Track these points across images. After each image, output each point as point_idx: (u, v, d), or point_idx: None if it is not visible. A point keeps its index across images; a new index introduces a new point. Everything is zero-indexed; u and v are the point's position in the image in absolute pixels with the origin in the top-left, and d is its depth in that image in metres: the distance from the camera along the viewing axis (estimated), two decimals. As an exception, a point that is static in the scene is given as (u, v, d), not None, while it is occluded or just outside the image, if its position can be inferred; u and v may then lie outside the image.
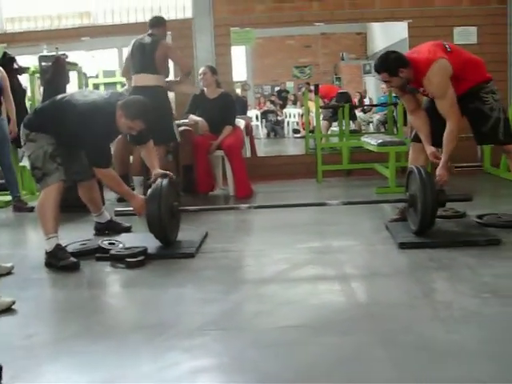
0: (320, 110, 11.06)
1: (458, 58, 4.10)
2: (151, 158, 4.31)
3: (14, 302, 3.02)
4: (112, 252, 3.87)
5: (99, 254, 3.94)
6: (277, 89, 17.30)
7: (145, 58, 5.74)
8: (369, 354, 2.36)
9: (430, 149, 4.22)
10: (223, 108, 6.32)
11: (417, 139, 4.42)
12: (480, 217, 4.40)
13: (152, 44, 5.73)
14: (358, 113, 12.27)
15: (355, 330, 2.62)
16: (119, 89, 8.48)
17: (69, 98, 4.02)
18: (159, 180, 4.04)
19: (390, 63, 4.11)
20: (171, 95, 7.19)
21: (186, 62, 5.92)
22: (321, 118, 11.16)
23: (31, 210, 5.71)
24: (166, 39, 6.06)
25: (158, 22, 5.94)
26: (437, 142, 4.21)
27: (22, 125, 4.07)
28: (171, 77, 6.26)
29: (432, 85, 4.06)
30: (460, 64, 4.08)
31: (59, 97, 4.09)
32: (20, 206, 5.86)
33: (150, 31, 5.88)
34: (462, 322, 2.60)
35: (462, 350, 2.32)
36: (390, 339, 2.48)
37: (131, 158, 6.25)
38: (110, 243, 4.04)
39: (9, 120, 5.82)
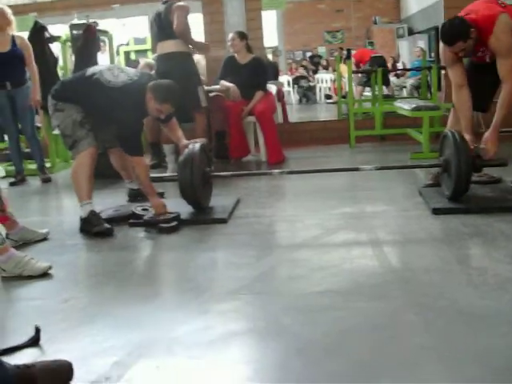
0: (353, 76, 10.99)
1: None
2: (175, 132, 4.31)
3: (50, 267, 3.08)
4: (145, 218, 3.90)
5: (133, 220, 3.98)
6: (308, 54, 17.12)
7: (162, 25, 5.72)
8: (402, 319, 2.35)
9: (470, 137, 4.05)
10: (255, 73, 6.27)
11: None
12: (516, 182, 4.33)
13: (165, 9, 5.70)
14: (391, 77, 12.10)
15: (389, 295, 2.60)
16: (150, 56, 8.44)
17: (98, 76, 3.94)
18: (191, 146, 4.04)
19: (460, 29, 3.88)
20: (203, 62, 7.17)
21: (180, 22, 5.65)
22: (354, 84, 11.08)
23: (48, 180, 5.91)
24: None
25: None
26: (477, 105, 4.12)
27: (49, 95, 4.08)
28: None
29: (500, 42, 3.85)
30: None
31: (89, 73, 4.02)
32: (43, 178, 5.98)
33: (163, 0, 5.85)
34: (497, 289, 2.57)
35: (496, 315, 2.29)
36: (423, 304, 2.46)
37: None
38: (143, 209, 4.07)
39: None
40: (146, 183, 3.95)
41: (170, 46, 5.71)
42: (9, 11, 5.72)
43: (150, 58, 7.04)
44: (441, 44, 4.10)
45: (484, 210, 3.77)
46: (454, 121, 4.36)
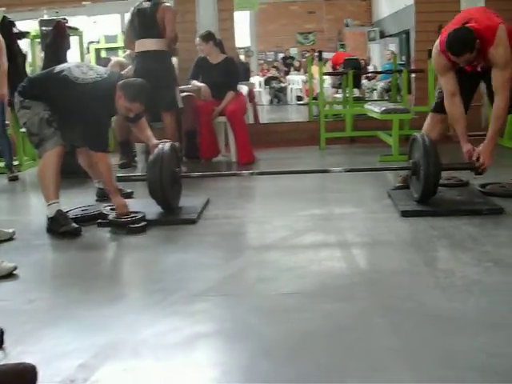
0: (327, 78, 11.01)
1: (506, 24, 3.88)
2: (144, 132, 4.28)
3: (15, 268, 3.02)
4: (111, 217, 3.86)
5: (101, 219, 3.93)
6: (281, 55, 17.16)
7: (146, 23, 5.66)
8: (369, 321, 2.36)
9: (466, 146, 4.04)
10: (226, 73, 6.26)
11: (436, 110, 4.32)
12: (483, 186, 4.37)
13: (152, 7, 5.66)
14: (362, 80, 12.17)
15: (356, 296, 2.62)
16: (121, 54, 8.38)
17: (67, 73, 3.89)
18: (161, 146, 4.02)
19: (468, 40, 3.76)
20: (174, 60, 7.13)
21: (171, 30, 5.72)
22: (328, 85, 11.13)
23: (15, 178, 5.83)
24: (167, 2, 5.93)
25: None
26: None
27: (16, 92, 4.01)
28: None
29: (499, 53, 3.78)
30: (509, 31, 3.86)
31: (57, 70, 3.97)
32: (10, 176, 5.88)
33: None
34: (464, 291, 2.59)
35: (462, 318, 2.32)
36: (390, 306, 2.47)
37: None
38: (111, 209, 4.03)
39: None
40: (108, 181, 3.93)
41: (151, 45, 5.66)
42: None
43: (121, 56, 6.96)
44: (434, 51, 4.02)
45: (452, 213, 3.80)
46: (429, 127, 4.34)
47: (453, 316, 2.34)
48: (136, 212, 3.87)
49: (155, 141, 4.16)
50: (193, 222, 3.88)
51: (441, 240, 3.38)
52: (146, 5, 5.71)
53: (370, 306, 2.50)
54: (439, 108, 4.28)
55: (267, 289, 2.75)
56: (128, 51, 6.73)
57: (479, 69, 4.02)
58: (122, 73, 5.36)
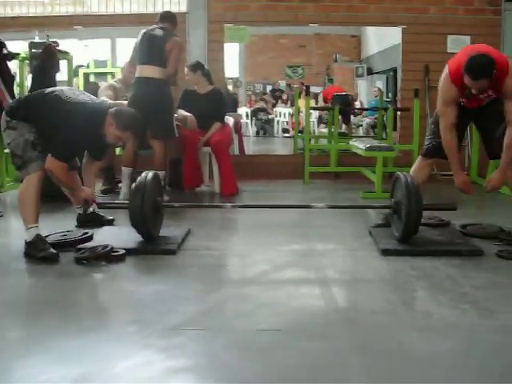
0: (318, 112, 11.08)
1: None
2: (92, 177, 4.32)
3: (-11, 292, 2.98)
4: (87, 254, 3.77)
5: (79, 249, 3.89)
6: (269, 87, 17.28)
7: (154, 50, 5.68)
8: (345, 361, 2.34)
9: (462, 176, 4.15)
10: (213, 104, 6.29)
11: (426, 154, 4.38)
12: (464, 226, 4.41)
13: (164, 37, 5.69)
14: (349, 116, 12.30)
15: (333, 335, 2.60)
16: (109, 79, 8.40)
17: (58, 93, 3.91)
18: (144, 174, 4.00)
19: (490, 66, 3.76)
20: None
21: (174, 66, 5.76)
22: (314, 119, 11.21)
23: None
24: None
25: (170, 18, 5.91)
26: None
27: (3, 112, 3.99)
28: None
29: None
30: None
31: (48, 90, 3.99)
32: None
33: (160, 24, 5.83)
34: (440, 333, 2.59)
35: (438, 361, 2.31)
36: (367, 346, 2.46)
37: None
38: (62, 235, 4.06)
39: None
40: (65, 180, 3.91)
41: (152, 72, 5.66)
42: None
43: (113, 81, 6.95)
44: (444, 81, 4.04)
45: (432, 253, 3.82)
46: (417, 170, 4.39)
47: (429, 358, 2.33)
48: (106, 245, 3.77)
49: (86, 192, 4.10)
50: (173, 252, 3.85)
51: (420, 280, 3.38)
52: (159, 32, 5.74)
53: (347, 346, 2.48)
54: (430, 153, 4.33)
55: (244, 324, 2.72)
56: (121, 76, 6.73)
57: (484, 103, 4.09)
58: (116, 102, 5.38)
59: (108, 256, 3.64)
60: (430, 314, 2.84)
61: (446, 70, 4.06)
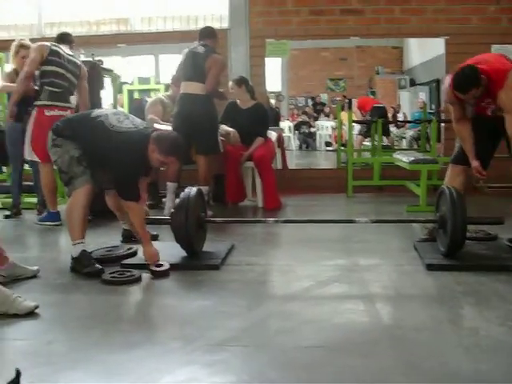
0: (355, 124, 11.01)
1: None
2: (143, 193, 4.25)
3: (36, 307, 3.03)
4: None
5: (124, 261, 3.95)
6: (311, 101, 17.28)
7: (196, 67, 5.75)
8: (389, 379, 2.31)
9: (475, 162, 4.16)
10: (255, 119, 6.32)
11: (456, 161, 4.36)
12: (511, 240, 4.31)
13: (205, 54, 5.76)
14: (391, 128, 12.20)
15: (377, 353, 2.57)
16: (153, 95, 8.50)
17: (103, 119, 3.95)
18: (188, 189, 4.04)
19: (473, 77, 3.89)
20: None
21: (211, 83, 5.77)
22: (356, 132, 11.16)
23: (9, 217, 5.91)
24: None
25: (210, 33, 5.98)
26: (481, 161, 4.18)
27: (50, 130, 4.09)
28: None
29: (509, 97, 3.87)
30: None
31: (94, 114, 4.04)
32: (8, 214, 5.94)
33: (202, 42, 5.91)
34: (488, 351, 2.53)
35: (486, 380, 2.26)
36: (412, 365, 2.42)
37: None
38: (107, 250, 4.14)
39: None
40: (140, 229, 3.90)
41: (195, 88, 5.73)
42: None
43: (161, 96, 7.01)
44: (446, 85, 4.14)
45: (478, 268, 3.75)
46: (450, 179, 4.37)
47: (476, 378, 2.28)
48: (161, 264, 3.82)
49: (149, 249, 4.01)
50: (216, 267, 3.88)
51: (466, 296, 3.31)
52: (200, 49, 5.82)
53: (391, 363, 2.45)
54: (459, 159, 4.32)
55: (288, 341, 2.71)
56: (170, 91, 6.82)
57: (489, 113, 4.07)
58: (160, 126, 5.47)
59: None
60: (476, 331, 2.78)
61: (451, 75, 4.12)
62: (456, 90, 3.97)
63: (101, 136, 3.89)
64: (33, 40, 5.98)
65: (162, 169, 4.25)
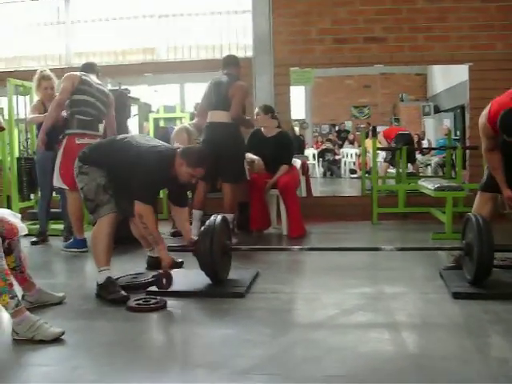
0: (379, 152, 11.01)
1: None
2: (186, 223, 4.32)
3: (62, 333, 3.06)
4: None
5: (150, 288, 3.96)
6: (336, 128, 17.32)
7: (219, 95, 5.82)
8: (417, 410, 2.28)
9: (507, 192, 4.15)
10: (280, 147, 6.35)
11: (485, 188, 4.33)
12: (539, 268, 4.26)
13: (228, 82, 5.83)
14: (417, 154, 12.14)
15: (403, 382, 2.54)
16: (178, 123, 8.59)
17: (130, 139, 4.05)
18: (213, 217, 4.06)
19: None
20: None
21: (235, 110, 5.82)
22: (381, 159, 11.15)
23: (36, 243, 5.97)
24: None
25: (232, 61, 6.06)
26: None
27: (77, 158, 4.15)
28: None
29: None
30: None
31: (119, 137, 4.18)
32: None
33: (225, 70, 5.98)
34: (517, 381, 2.50)
35: (515, 411, 2.23)
36: (439, 395, 2.39)
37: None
38: (133, 277, 4.19)
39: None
40: (154, 231, 3.96)
41: (221, 116, 5.79)
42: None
43: (187, 124, 7.07)
44: (482, 121, 4.09)
45: (507, 297, 3.70)
46: (479, 206, 4.33)
47: (505, 409, 2.25)
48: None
49: (191, 236, 4.20)
50: (241, 295, 3.87)
51: (493, 325, 3.27)
52: (224, 79, 5.90)
53: (418, 394, 2.42)
54: (488, 186, 4.28)
55: (312, 370, 2.69)
56: (195, 120, 6.87)
57: None
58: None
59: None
60: (505, 361, 2.73)
61: (487, 108, 4.07)
62: (504, 133, 3.90)
63: (127, 152, 3.95)
64: (61, 70, 6.11)
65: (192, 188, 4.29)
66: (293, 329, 3.37)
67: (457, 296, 3.74)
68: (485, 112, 4.07)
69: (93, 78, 5.64)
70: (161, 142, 4.21)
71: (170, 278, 3.89)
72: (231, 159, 5.76)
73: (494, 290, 3.83)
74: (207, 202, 6.05)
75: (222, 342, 3.10)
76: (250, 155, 6.35)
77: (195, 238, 4.13)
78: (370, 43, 7.55)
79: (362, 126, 16.03)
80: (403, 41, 7.54)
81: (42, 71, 6.04)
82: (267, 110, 6.48)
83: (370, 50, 7.58)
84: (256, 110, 6.54)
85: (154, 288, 3.94)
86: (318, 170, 14.71)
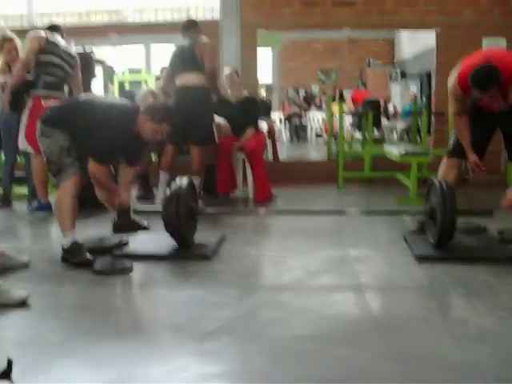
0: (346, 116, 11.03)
1: None
2: (129, 184, 4.33)
3: (27, 296, 3.03)
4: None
5: (116, 251, 3.95)
6: (302, 92, 17.28)
7: (185, 58, 5.74)
8: (379, 369, 2.33)
9: (473, 156, 4.22)
10: (246, 111, 6.32)
11: (452, 154, 4.39)
12: (501, 232, 4.34)
13: (191, 44, 5.75)
14: (382, 119, 12.21)
15: (367, 343, 2.59)
16: (144, 87, 8.49)
17: (92, 97, 4.07)
18: (179, 179, 4.04)
19: (496, 76, 3.84)
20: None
21: (210, 64, 5.74)
22: (348, 124, 11.19)
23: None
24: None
25: (191, 25, 5.95)
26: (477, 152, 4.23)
27: (39, 120, 4.08)
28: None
29: None
30: None
31: (82, 97, 4.14)
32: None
33: (186, 35, 5.88)
34: (477, 341, 2.56)
35: (474, 369, 2.28)
36: (401, 354, 2.44)
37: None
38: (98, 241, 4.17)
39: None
40: (109, 185, 4.02)
41: (190, 79, 5.71)
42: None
43: (154, 88, 6.98)
44: (452, 82, 4.13)
45: (468, 260, 3.77)
46: (445, 172, 4.39)
47: (464, 367, 2.30)
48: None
49: (124, 199, 4.18)
50: (207, 258, 3.88)
51: (456, 287, 3.33)
52: (186, 43, 5.83)
53: (380, 354, 2.46)
54: (455, 152, 4.33)
55: (278, 331, 2.73)
56: (162, 84, 6.78)
57: (497, 110, 4.06)
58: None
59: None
60: (466, 321, 2.81)
61: (457, 70, 4.12)
62: (477, 87, 3.90)
63: (88, 111, 3.92)
64: (23, 31, 5.95)
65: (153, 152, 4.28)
66: (259, 291, 3.39)
67: (420, 259, 3.80)
68: (454, 73, 4.10)
69: (59, 39, 5.52)
70: (124, 100, 4.17)
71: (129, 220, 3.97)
72: (201, 122, 5.71)
73: (457, 253, 3.90)
74: (174, 165, 6.00)
75: (189, 303, 3.12)
76: (217, 119, 6.31)
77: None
78: (338, 7, 7.49)
79: (328, 90, 16.06)
80: (372, 4, 7.50)
81: (3, 34, 5.87)
82: (238, 74, 6.48)
83: (339, 14, 7.52)
84: (229, 69, 6.49)
85: (119, 251, 3.92)
86: (284, 135, 14.70)
